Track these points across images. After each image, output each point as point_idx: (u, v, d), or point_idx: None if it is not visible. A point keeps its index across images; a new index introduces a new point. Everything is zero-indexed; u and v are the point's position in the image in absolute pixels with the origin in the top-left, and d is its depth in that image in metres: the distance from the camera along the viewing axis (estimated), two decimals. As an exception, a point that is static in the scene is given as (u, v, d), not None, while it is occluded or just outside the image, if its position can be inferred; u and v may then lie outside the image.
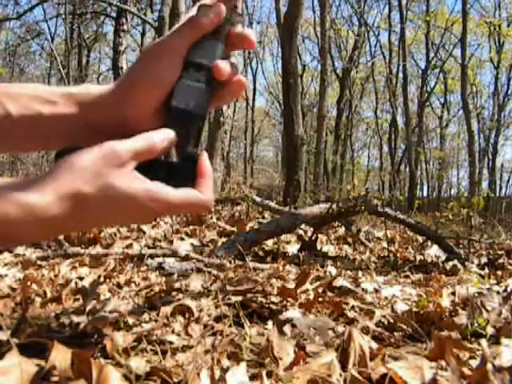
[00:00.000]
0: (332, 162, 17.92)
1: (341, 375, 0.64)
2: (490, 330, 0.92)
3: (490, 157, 21.55)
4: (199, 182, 0.60)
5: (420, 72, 21.74)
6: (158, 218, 0.64)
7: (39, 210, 0.51)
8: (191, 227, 2.80)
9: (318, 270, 1.68)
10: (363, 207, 2.49)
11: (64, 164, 0.54)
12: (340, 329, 0.91)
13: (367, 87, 22.75)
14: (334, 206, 2.51)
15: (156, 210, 0.57)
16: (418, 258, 2.63)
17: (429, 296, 1.19)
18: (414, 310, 1.03)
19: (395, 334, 0.94)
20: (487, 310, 1.01)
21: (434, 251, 2.79)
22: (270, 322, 0.93)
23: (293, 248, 2.52)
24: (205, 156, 0.61)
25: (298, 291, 1.12)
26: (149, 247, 2.03)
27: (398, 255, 2.68)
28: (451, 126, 27.78)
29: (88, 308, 0.90)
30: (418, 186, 20.50)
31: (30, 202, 0.50)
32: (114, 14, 10.70)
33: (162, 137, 0.59)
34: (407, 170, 18.07)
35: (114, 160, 0.55)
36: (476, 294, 1.17)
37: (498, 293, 1.26)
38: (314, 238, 2.57)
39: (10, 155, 8.86)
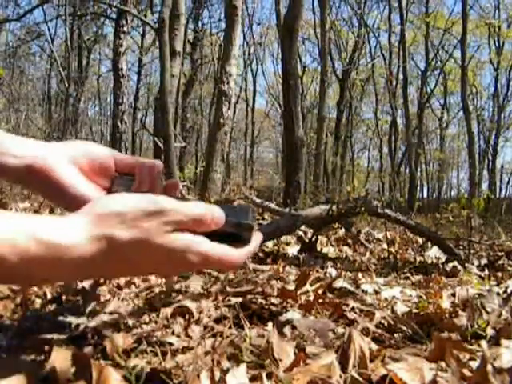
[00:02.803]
0: (332, 163, 17.93)
1: (341, 376, 0.64)
2: (490, 332, 0.92)
3: (490, 158, 21.57)
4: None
5: (420, 73, 21.77)
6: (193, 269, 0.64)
7: (64, 249, 0.48)
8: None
9: (317, 271, 1.68)
10: (363, 208, 2.49)
11: (100, 204, 0.53)
12: (340, 330, 0.91)
13: (367, 88, 22.77)
14: (334, 207, 2.51)
15: (193, 261, 0.54)
16: (418, 259, 2.63)
17: (429, 297, 1.19)
18: (414, 311, 1.03)
19: (395, 335, 0.94)
20: (487, 312, 1.01)
21: (434, 252, 2.78)
22: (270, 324, 0.93)
23: (293, 249, 2.52)
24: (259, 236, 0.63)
25: (298, 292, 1.12)
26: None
27: (398, 256, 2.68)
28: (451, 128, 27.84)
29: (88, 309, 0.90)
30: (418, 188, 20.50)
31: (54, 240, 0.48)
32: (114, 16, 10.73)
33: (214, 216, 0.57)
34: (407, 171, 18.07)
35: (157, 215, 0.52)
36: (476, 296, 1.17)
37: (498, 294, 1.26)
38: (314, 239, 2.57)
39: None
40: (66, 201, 0.69)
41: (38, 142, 0.71)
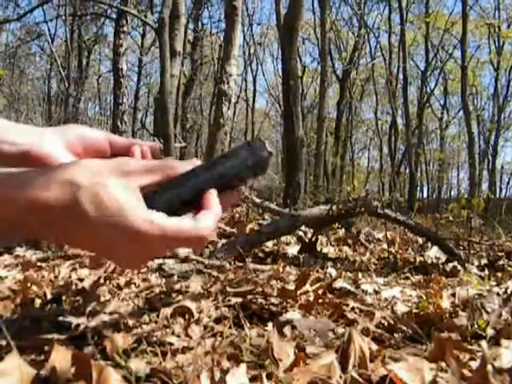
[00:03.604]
0: (332, 163, 17.91)
1: (341, 377, 0.64)
2: (490, 332, 0.92)
3: (490, 158, 21.57)
4: (200, 213, 0.58)
5: (420, 73, 21.77)
6: (148, 252, 0.59)
7: (31, 188, 0.50)
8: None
9: (317, 271, 1.68)
10: (363, 209, 2.49)
11: (72, 161, 0.56)
12: (340, 330, 0.91)
13: (367, 88, 22.77)
14: (334, 207, 2.51)
15: (147, 233, 0.53)
16: (418, 259, 2.63)
17: (429, 297, 1.18)
18: (414, 311, 1.03)
19: (395, 335, 0.94)
20: (487, 312, 1.01)
21: (434, 253, 2.78)
22: (270, 324, 0.93)
23: (293, 249, 2.52)
24: (213, 193, 0.59)
25: (298, 293, 1.12)
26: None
27: (398, 256, 2.68)
28: (451, 128, 27.83)
29: (88, 309, 0.90)
30: (418, 188, 20.51)
31: (23, 180, 0.50)
32: (114, 16, 10.72)
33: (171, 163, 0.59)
34: (407, 171, 18.07)
35: (120, 166, 0.54)
36: (476, 296, 1.17)
37: (498, 294, 1.27)
38: (314, 239, 2.56)
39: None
40: None
41: (35, 129, 0.71)
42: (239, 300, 1.02)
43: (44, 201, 0.50)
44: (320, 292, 1.17)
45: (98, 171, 0.53)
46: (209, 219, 0.57)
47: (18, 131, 0.69)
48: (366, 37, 20.56)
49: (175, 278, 1.35)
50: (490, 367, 0.63)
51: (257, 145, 0.62)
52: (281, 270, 1.58)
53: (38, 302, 1.02)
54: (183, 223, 0.55)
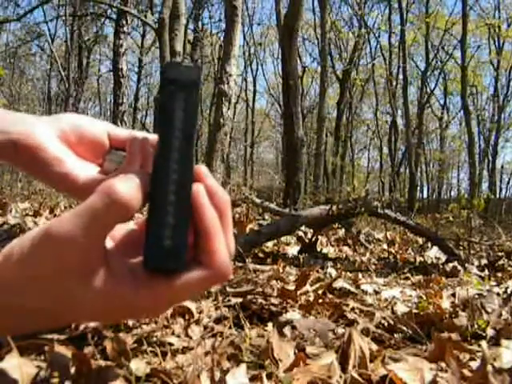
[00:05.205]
0: (332, 163, 17.92)
1: (341, 377, 0.64)
2: (490, 332, 0.92)
3: (490, 158, 21.57)
4: (201, 246, 0.43)
5: (420, 73, 21.77)
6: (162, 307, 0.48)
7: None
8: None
9: (317, 271, 1.68)
10: (363, 209, 2.49)
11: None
12: (340, 330, 0.91)
13: (367, 88, 22.77)
14: (334, 207, 2.51)
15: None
16: (418, 259, 2.63)
17: (429, 297, 1.18)
18: (414, 311, 1.03)
19: (395, 335, 0.94)
20: (487, 312, 1.01)
21: (434, 253, 2.79)
22: (270, 324, 0.93)
23: (293, 250, 2.52)
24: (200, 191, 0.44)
25: (298, 293, 1.12)
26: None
27: (398, 257, 2.68)
28: (451, 128, 27.84)
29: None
30: (418, 188, 20.49)
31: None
32: (114, 16, 10.73)
33: (123, 191, 0.41)
34: (407, 171, 18.07)
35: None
36: (476, 296, 1.17)
37: (498, 294, 1.27)
38: (314, 239, 2.57)
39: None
40: (52, 179, 0.65)
41: (28, 117, 0.67)
42: (239, 300, 1.02)
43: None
44: (320, 292, 1.17)
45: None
46: (224, 257, 0.44)
47: (9, 119, 0.64)
48: (366, 37, 20.56)
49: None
50: (490, 367, 0.63)
51: (185, 74, 0.42)
52: (281, 270, 1.58)
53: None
54: (190, 280, 0.43)
